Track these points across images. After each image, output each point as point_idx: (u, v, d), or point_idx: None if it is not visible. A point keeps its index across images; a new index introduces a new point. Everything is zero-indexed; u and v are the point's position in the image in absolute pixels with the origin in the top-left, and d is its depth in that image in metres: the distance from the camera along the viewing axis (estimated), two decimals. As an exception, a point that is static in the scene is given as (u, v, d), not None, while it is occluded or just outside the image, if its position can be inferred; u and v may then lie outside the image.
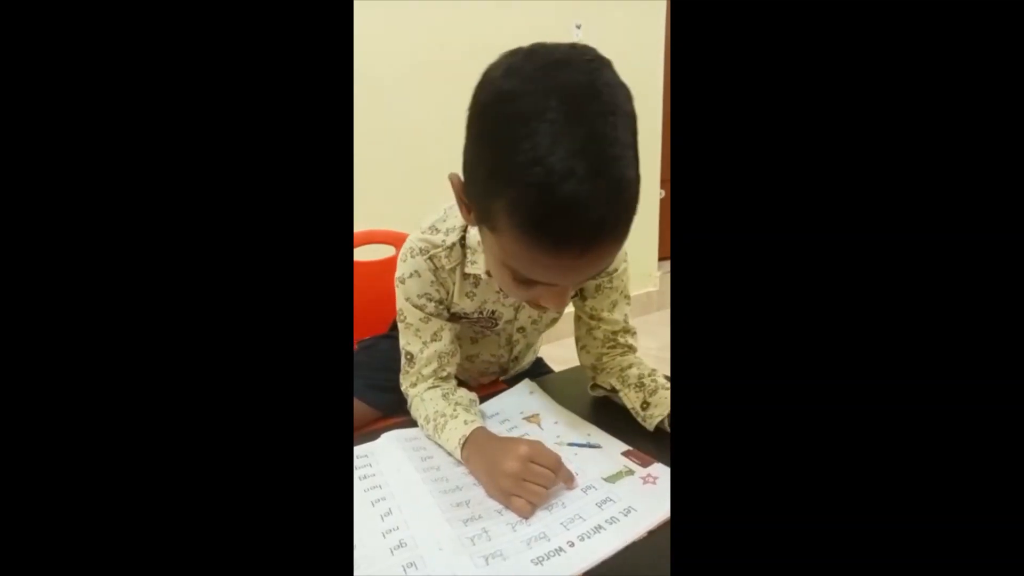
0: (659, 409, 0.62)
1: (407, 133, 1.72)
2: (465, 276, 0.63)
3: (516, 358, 0.82)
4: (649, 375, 0.66)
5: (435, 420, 0.62)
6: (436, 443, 0.62)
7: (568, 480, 0.54)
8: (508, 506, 0.51)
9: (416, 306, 0.64)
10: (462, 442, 0.57)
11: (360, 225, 0.90)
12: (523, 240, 0.41)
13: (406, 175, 1.72)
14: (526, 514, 0.50)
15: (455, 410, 0.61)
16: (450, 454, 0.60)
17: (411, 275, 0.63)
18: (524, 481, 0.51)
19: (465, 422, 0.59)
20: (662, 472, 0.55)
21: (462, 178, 0.48)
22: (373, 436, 0.64)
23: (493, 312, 0.68)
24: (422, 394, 0.66)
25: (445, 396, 0.65)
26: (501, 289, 0.64)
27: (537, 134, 0.37)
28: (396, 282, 0.65)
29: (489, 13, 1.80)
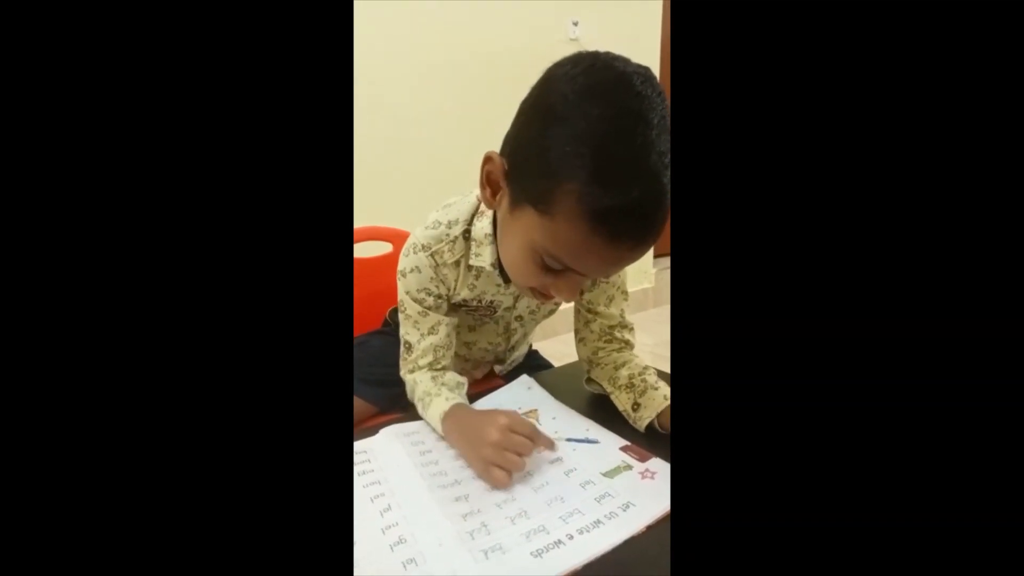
0: (648, 411, 0.63)
1: (405, 130, 1.71)
2: (468, 268, 0.65)
3: (512, 347, 0.83)
4: (639, 375, 0.67)
5: (423, 399, 0.66)
6: (427, 422, 0.65)
7: (549, 445, 0.57)
8: (486, 478, 0.53)
9: (415, 300, 0.67)
10: (442, 417, 0.61)
11: (356, 222, 0.90)
12: (582, 227, 0.45)
13: (403, 172, 1.72)
14: (503, 485, 0.52)
15: (439, 389, 0.65)
16: (435, 430, 0.63)
17: (412, 270, 0.65)
18: (504, 451, 0.53)
19: (447, 399, 0.63)
20: (660, 467, 0.56)
21: (503, 159, 0.51)
22: (371, 432, 0.64)
23: (492, 301, 0.70)
24: (416, 377, 0.69)
25: (434, 378, 0.68)
26: (504, 281, 0.66)
27: (620, 133, 0.42)
28: (398, 275, 0.67)
29: (487, 10, 1.80)
